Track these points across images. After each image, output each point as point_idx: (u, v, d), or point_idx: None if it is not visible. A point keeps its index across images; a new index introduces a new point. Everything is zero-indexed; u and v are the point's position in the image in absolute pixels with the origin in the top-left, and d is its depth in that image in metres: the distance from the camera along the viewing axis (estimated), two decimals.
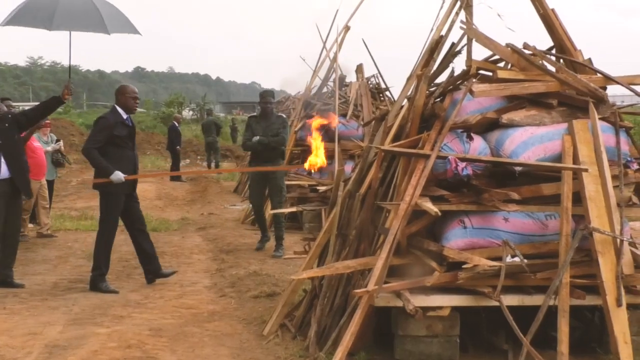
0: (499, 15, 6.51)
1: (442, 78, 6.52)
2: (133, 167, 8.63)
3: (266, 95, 11.07)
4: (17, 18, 8.78)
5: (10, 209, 8.42)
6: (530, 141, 5.92)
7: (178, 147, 25.27)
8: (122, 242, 11.71)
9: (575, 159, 5.79)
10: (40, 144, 12.08)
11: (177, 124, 26.46)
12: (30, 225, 12.42)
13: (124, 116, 8.54)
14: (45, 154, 12.24)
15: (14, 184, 8.37)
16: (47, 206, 12.48)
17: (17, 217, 8.69)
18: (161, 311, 7.43)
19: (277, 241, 10.97)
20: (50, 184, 13.06)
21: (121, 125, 8.48)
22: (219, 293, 8.26)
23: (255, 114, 11.94)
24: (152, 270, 8.86)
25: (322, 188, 13.27)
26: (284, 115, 11.52)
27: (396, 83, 15.32)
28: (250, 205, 13.27)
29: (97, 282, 8.43)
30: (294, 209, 12.52)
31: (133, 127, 8.74)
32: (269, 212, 13.06)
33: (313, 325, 6.00)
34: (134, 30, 9.27)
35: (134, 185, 8.77)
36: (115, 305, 7.61)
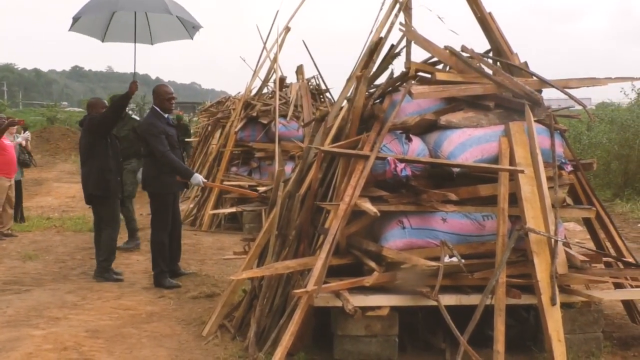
0: (438, 18, 6.59)
1: (382, 80, 6.57)
2: None
3: None
4: (84, 13, 8.84)
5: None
6: (468, 143, 5.99)
7: None
8: (59, 242, 11.55)
9: (512, 161, 5.89)
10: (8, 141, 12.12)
11: None
12: None
13: (165, 115, 8.66)
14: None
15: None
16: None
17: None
18: (99, 312, 7.31)
19: (130, 233, 11.24)
20: (18, 184, 13.02)
21: (167, 125, 8.62)
22: (157, 294, 8.16)
23: None
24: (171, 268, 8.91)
25: (262, 188, 13.24)
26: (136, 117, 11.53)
27: (336, 84, 15.37)
28: (191, 206, 13.20)
29: (160, 279, 8.57)
30: (233, 210, 12.49)
31: (174, 127, 8.90)
32: (208, 212, 13.04)
33: (252, 326, 5.98)
34: (196, 23, 9.31)
35: (183, 187, 9.02)
36: (51, 307, 7.47)
